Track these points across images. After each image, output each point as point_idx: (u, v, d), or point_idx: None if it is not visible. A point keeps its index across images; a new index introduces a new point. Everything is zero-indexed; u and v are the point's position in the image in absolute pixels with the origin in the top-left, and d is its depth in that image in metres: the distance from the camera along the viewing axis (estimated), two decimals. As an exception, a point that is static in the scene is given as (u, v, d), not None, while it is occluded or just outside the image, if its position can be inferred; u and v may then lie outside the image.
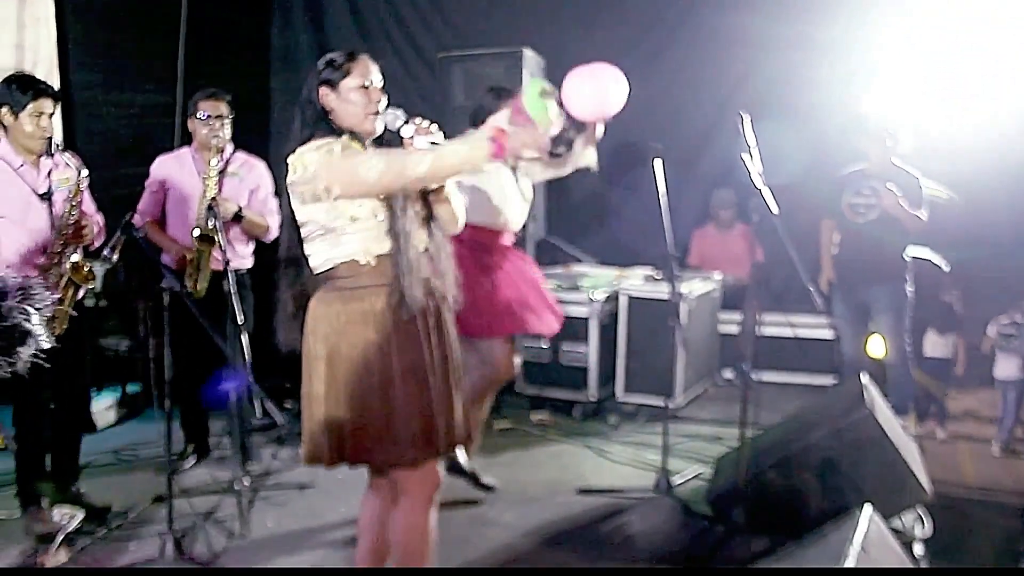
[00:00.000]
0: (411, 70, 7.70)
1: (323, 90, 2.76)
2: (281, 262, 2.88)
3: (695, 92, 7.20)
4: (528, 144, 2.53)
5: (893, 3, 6.50)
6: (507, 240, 4.44)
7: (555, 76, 6.93)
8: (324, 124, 2.75)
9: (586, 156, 4.37)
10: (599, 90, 3.97)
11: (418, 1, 7.85)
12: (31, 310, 0.82)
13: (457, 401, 2.86)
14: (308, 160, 2.64)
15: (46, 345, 0.83)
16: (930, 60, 6.37)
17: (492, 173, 4.23)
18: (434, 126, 2.75)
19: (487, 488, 4.56)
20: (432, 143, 2.71)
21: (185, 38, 6.89)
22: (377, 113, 2.76)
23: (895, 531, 3.66)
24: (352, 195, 2.63)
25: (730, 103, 6.66)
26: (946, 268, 5.88)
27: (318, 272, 2.77)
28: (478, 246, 4.26)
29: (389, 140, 2.81)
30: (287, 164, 2.71)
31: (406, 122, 2.74)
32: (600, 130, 4.27)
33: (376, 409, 2.70)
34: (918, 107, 6.04)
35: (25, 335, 0.81)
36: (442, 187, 2.83)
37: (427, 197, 2.85)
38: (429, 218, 2.87)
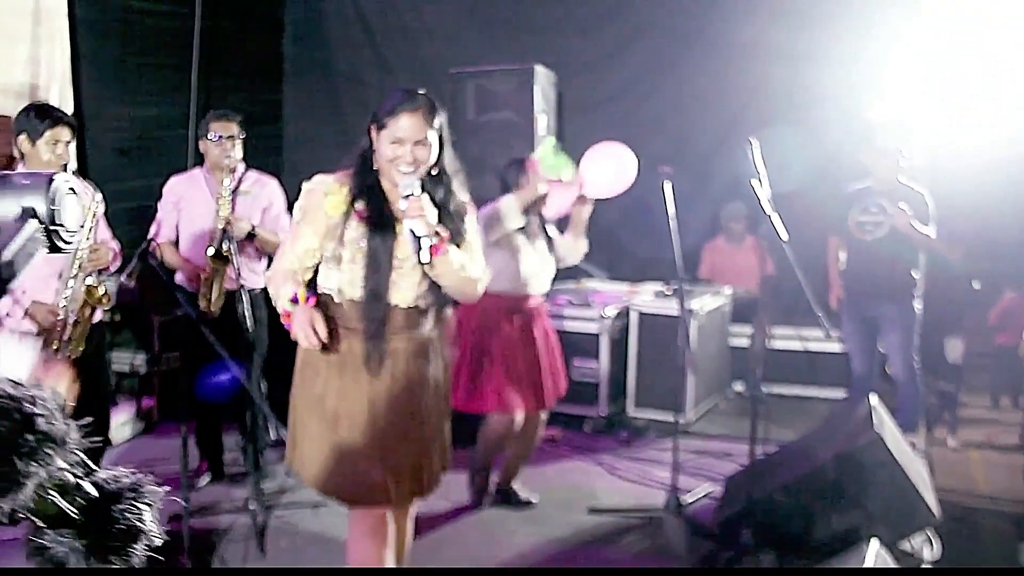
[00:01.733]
0: (425, 85, 7.73)
1: (373, 127, 2.86)
2: None
3: (706, 104, 7.21)
4: (299, 325, 2.79)
5: (903, 16, 6.50)
6: (533, 302, 4.49)
7: (566, 92, 7.03)
8: (364, 154, 2.88)
9: (580, 247, 4.53)
10: (619, 170, 4.20)
11: (429, 17, 7.89)
12: (143, 508, 0.84)
13: (424, 453, 2.99)
14: (301, 198, 2.94)
15: (159, 542, 0.85)
16: (939, 73, 6.38)
17: (506, 243, 4.29)
18: (428, 211, 2.75)
19: (526, 504, 4.70)
20: (410, 230, 2.75)
21: (198, 54, 6.94)
22: (399, 168, 2.79)
23: (904, 554, 3.70)
24: None
25: (740, 116, 6.69)
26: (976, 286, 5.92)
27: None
28: (496, 311, 4.38)
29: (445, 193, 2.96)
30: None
31: (406, 196, 2.75)
32: (587, 215, 4.44)
33: (316, 435, 2.92)
34: (926, 122, 6.05)
35: (139, 534, 0.83)
36: (444, 263, 2.84)
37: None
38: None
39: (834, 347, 6.26)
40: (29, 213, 0.80)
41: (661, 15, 7.34)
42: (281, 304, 2.86)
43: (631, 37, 7.41)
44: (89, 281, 3.92)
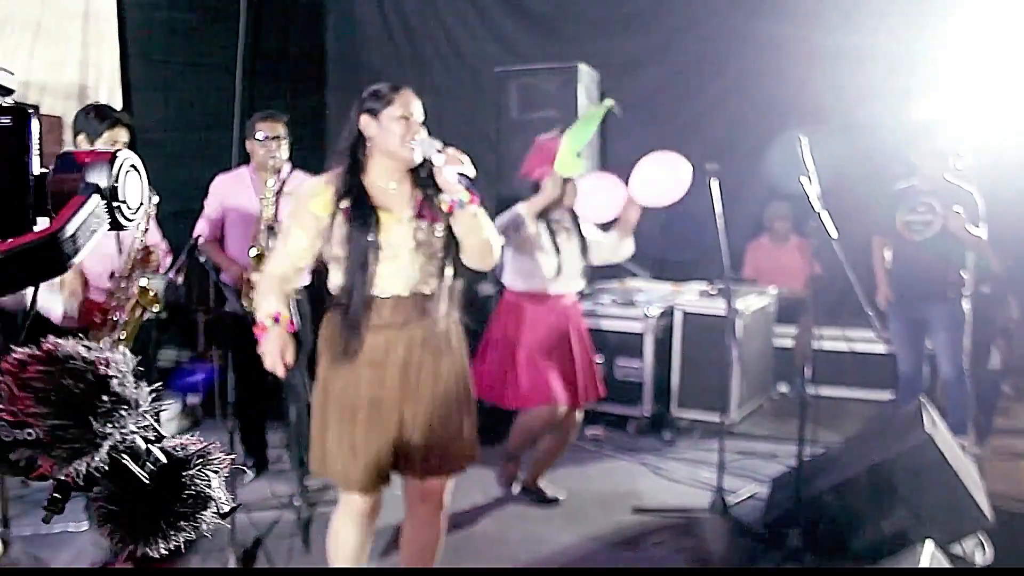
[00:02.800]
0: (465, 85, 7.75)
1: (364, 118, 2.91)
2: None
3: (750, 103, 7.15)
4: (270, 347, 2.99)
5: (951, 14, 6.40)
6: (566, 300, 4.51)
7: (609, 90, 6.99)
8: (352, 148, 2.94)
9: (625, 248, 4.53)
10: (672, 180, 4.22)
11: (470, 16, 7.90)
12: (211, 475, 0.85)
13: (421, 437, 3.01)
14: (292, 206, 3.11)
15: (226, 509, 0.85)
16: (989, 72, 6.28)
17: (532, 242, 4.31)
18: (464, 156, 2.84)
19: (552, 501, 4.69)
20: (460, 174, 2.79)
21: (242, 54, 6.99)
22: (411, 143, 2.88)
23: (955, 557, 3.64)
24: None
25: (785, 115, 6.61)
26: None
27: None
28: (530, 308, 4.43)
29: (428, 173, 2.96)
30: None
31: (439, 151, 2.82)
32: (635, 218, 4.45)
33: (329, 431, 3.02)
34: (976, 121, 5.95)
35: (207, 500, 0.83)
36: (470, 215, 2.91)
37: (445, 236, 2.99)
38: (445, 258, 3.00)
39: (880, 348, 6.18)
40: (92, 189, 0.80)
41: (705, 13, 7.29)
42: (261, 315, 2.99)
43: (675, 35, 7.36)
44: (142, 282, 3.97)
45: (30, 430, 0.71)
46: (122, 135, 3.96)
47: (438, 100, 7.70)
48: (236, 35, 6.99)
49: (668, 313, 6.07)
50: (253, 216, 4.67)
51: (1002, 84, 6.22)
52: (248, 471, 5.02)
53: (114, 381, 0.74)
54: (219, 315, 4.96)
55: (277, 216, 4.58)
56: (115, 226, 0.83)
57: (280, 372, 3.01)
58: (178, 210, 5.21)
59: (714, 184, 4.46)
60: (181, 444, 0.85)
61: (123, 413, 0.74)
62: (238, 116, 6.74)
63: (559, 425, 4.53)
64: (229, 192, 4.84)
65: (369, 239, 2.86)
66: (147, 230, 4.06)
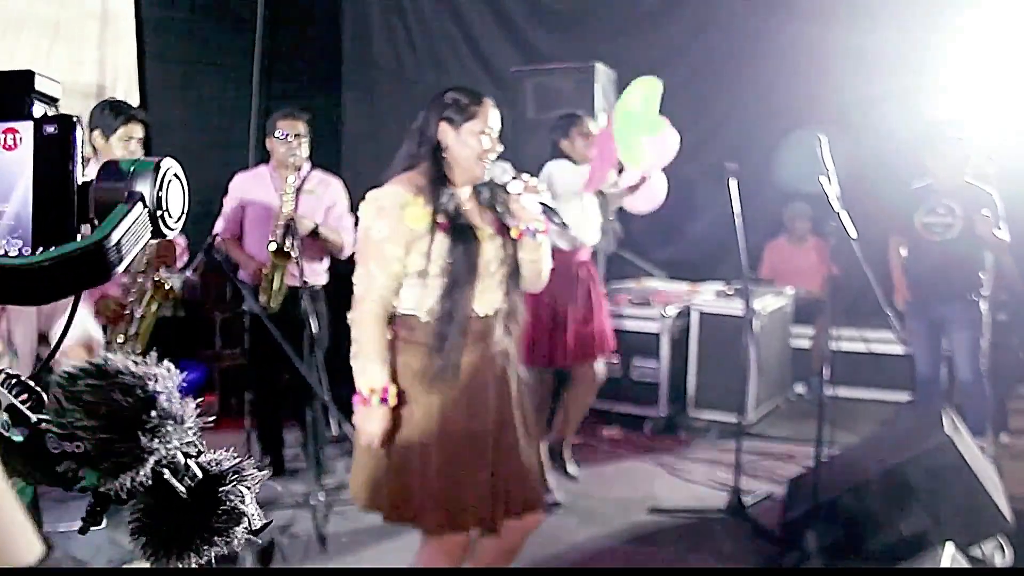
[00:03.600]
0: (481, 85, 7.75)
1: (443, 126, 2.75)
2: None
3: (767, 103, 7.12)
4: (370, 427, 2.67)
5: (967, 15, 6.37)
6: (583, 255, 4.58)
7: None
8: (434, 159, 2.75)
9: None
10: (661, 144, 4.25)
11: (487, 15, 7.90)
12: (245, 491, 0.86)
13: (521, 468, 2.84)
14: (365, 215, 2.73)
15: (259, 524, 0.87)
16: (1007, 71, 6.24)
17: (570, 199, 4.33)
18: (542, 185, 2.77)
19: (571, 477, 4.87)
20: (540, 203, 2.74)
21: (260, 55, 7.01)
22: (487, 161, 2.76)
23: (975, 560, 3.61)
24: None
25: (803, 115, 6.58)
26: None
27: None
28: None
29: (492, 192, 2.86)
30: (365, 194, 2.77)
31: (514, 178, 2.75)
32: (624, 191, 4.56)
33: (413, 470, 2.73)
34: (994, 120, 5.90)
35: (240, 516, 0.84)
36: (536, 244, 2.83)
37: (515, 254, 2.84)
38: (511, 277, 2.84)
39: (897, 349, 6.15)
40: (137, 197, 0.80)
41: (723, 13, 7.27)
42: (364, 385, 2.69)
43: (693, 35, 7.34)
44: (157, 276, 3.98)
45: (78, 443, 0.73)
46: (136, 131, 3.97)
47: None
48: (253, 35, 7.01)
49: (685, 313, 6.06)
50: (272, 214, 4.68)
51: (1020, 84, 6.18)
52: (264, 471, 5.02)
53: (162, 397, 0.76)
54: (236, 314, 4.98)
55: (296, 213, 4.59)
56: (157, 234, 0.83)
57: (376, 447, 2.71)
58: (196, 209, 5.23)
59: (732, 184, 4.45)
60: (216, 459, 0.86)
61: (169, 428, 0.76)
62: (255, 115, 6.75)
63: (577, 382, 4.71)
64: (248, 190, 4.85)
65: (470, 255, 2.70)
66: None
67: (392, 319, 2.76)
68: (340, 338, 4.97)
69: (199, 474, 0.82)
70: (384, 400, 2.66)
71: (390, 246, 2.67)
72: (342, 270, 5.02)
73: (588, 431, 5.83)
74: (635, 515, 4.55)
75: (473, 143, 2.73)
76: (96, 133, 3.95)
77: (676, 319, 5.97)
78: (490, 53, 7.85)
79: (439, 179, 2.73)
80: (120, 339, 3.89)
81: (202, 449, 0.84)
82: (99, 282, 0.78)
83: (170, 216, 0.84)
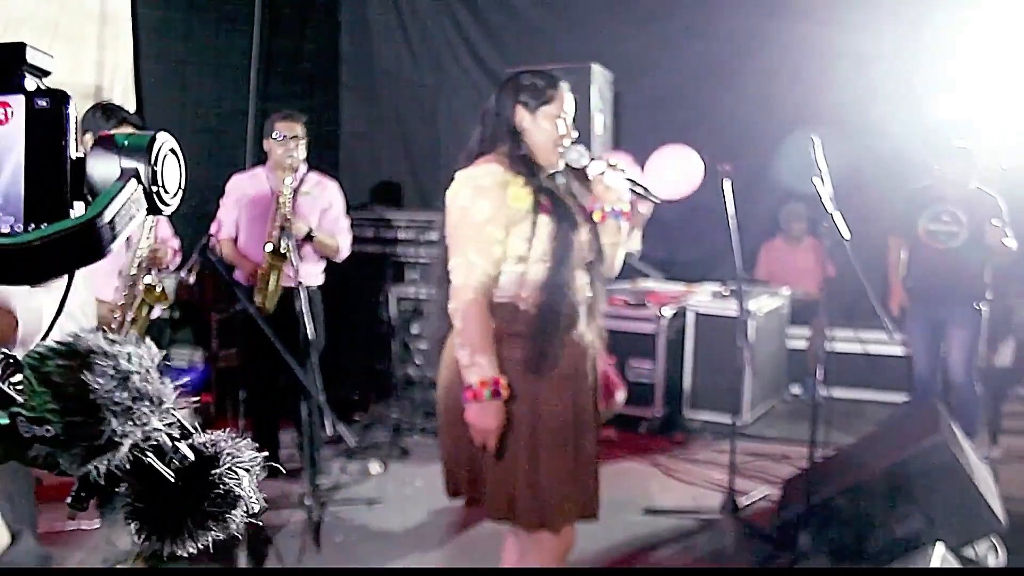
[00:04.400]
0: (479, 84, 7.75)
1: (520, 109, 2.70)
2: (435, 281, 2.81)
3: (764, 103, 7.12)
4: (485, 422, 2.54)
5: (967, 14, 6.37)
6: None
7: (622, 91, 6.99)
8: (515, 142, 2.68)
9: (632, 242, 4.54)
10: (683, 172, 4.22)
11: (484, 16, 7.90)
12: (242, 473, 0.84)
13: (596, 456, 2.81)
14: (460, 195, 2.61)
15: (256, 508, 0.84)
16: (1008, 71, 6.24)
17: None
18: (624, 162, 2.72)
19: None
20: (628, 179, 2.69)
21: (257, 56, 7.02)
22: (562, 146, 2.71)
23: (968, 560, 3.62)
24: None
25: (799, 115, 6.59)
26: None
27: None
28: None
29: (567, 177, 2.80)
30: (454, 176, 2.67)
31: (592, 159, 2.71)
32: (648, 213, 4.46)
33: (522, 469, 2.63)
34: (998, 122, 5.90)
35: (236, 499, 0.82)
36: (618, 227, 2.79)
37: (600, 241, 2.77)
38: (594, 265, 2.76)
39: (894, 350, 6.16)
40: (130, 173, 0.79)
41: (718, 13, 7.27)
42: (476, 376, 2.54)
43: (689, 35, 7.34)
44: (148, 280, 3.99)
45: (48, 427, 0.69)
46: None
47: (451, 99, 7.73)
48: (250, 36, 7.01)
49: (681, 314, 6.06)
50: (268, 215, 4.69)
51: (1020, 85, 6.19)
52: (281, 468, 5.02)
53: (136, 377, 0.72)
54: (232, 314, 4.99)
55: (292, 215, 4.60)
56: (153, 211, 0.82)
57: (492, 447, 2.60)
58: (192, 210, 5.23)
59: (727, 184, 4.45)
60: (212, 440, 0.82)
61: (145, 410, 0.72)
62: (252, 117, 6.76)
63: None
64: (245, 191, 4.86)
65: (571, 239, 2.62)
66: (153, 228, 4.07)
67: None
68: (335, 339, 5.00)
69: (190, 456, 0.79)
70: (497, 393, 2.54)
71: (492, 228, 2.56)
72: (338, 271, 5.05)
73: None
74: (630, 516, 4.56)
75: (549, 127, 2.69)
76: (88, 136, 3.96)
77: (672, 320, 5.98)
78: (486, 53, 7.86)
79: (524, 160, 2.66)
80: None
81: (193, 430, 0.81)
82: (92, 260, 0.76)
83: (166, 192, 0.82)
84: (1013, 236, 4.99)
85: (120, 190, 0.77)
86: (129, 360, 0.72)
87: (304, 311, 4.33)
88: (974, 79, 6.26)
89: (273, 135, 4.75)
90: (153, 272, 4.00)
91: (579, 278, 2.67)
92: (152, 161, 0.80)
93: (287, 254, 4.53)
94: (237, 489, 0.81)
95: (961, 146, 5.05)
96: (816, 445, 3.98)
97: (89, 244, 0.75)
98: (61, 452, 0.70)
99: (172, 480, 0.77)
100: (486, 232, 2.56)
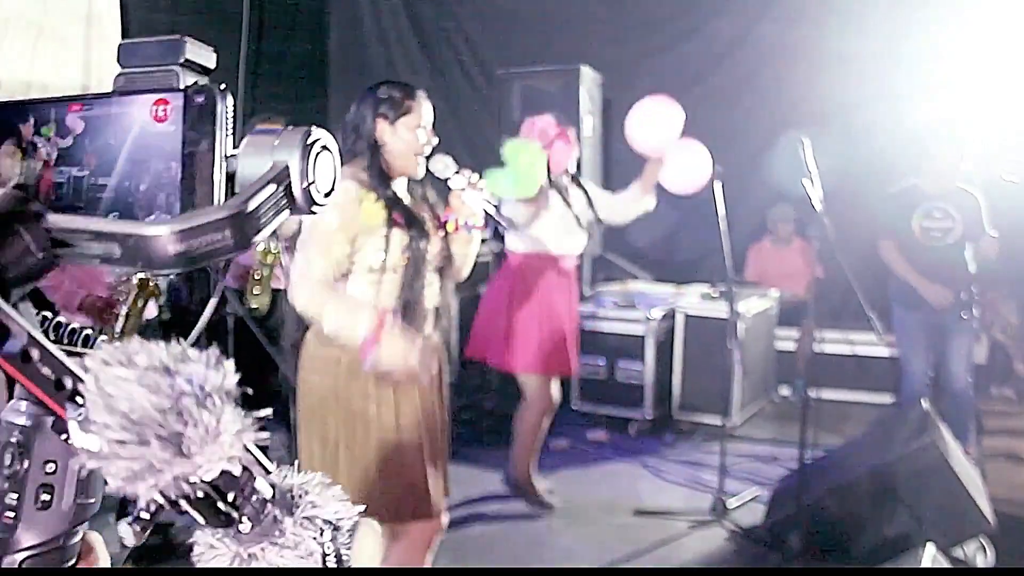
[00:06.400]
0: (467, 87, 7.76)
1: (380, 123, 2.72)
2: (288, 285, 2.82)
3: (752, 106, 7.15)
4: (393, 360, 2.55)
5: (956, 18, 6.40)
6: (568, 263, 4.53)
7: (613, 93, 7.00)
8: (373, 155, 2.71)
9: (645, 202, 4.53)
10: (698, 170, 4.25)
11: (475, 18, 7.91)
12: (322, 525, 0.76)
13: (443, 452, 2.90)
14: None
15: (333, 564, 0.76)
16: (995, 73, 6.27)
17: (549, 209, 4.32)
18: (483, 182, 2.77)
19: (546, 506, 4.62)
20: (486, 201, 2.74)
21: (245, 58, 7.00)
22: (423, 155, 2.75)
23: (957, 560, 3.64)
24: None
25: (787, 118, 6.61)
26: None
27: None
28: (532, 269, 4.39)
29: (424, 186, 2.87)
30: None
31: (456, 172, 2.75)
32: (656, 174, 4.44)
33: (374, 465, 2.70)
34: (982, 122, 5.91)
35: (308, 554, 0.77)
36: (470, 239, 2.86)
37: (450, 248, 2.85)
38: (444, 270, 2.84)
39: (882, 351, 6.17)
40: (281, 167, 0.77)
41: (707, 16, 7.29)
42: (366, 322, 2.55)
43: (677, 39, 7.37)
44: (141, 274, 3.97)
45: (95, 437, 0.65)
46: None
47: (440, 102, 7.72)
48: (238, 38, 6.99)
49: (670, 315, 6.07)
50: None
51: (1008, 85, 6.21)
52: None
53: (187, 400, 0.65)
54: (221, 316, 4.96)
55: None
56: (302, 209, 0.79)
57: (432, 370, 2.68)
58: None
59: (717, 186, 4.46)
60: (300, 483, 0.77)
61: (195, 438, 0.65)
62: (240, 119, 6.74)
63: (540, 398, 4.52)
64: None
65: (423, 249, 2.70)
66: None
67: None
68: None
69: (266, 494, 0.73)
70: (382, 322, 2.56)
71: (337, 235, 2.61)
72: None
73: (573, 433, 5.84)
74: (620, 517, 4.56)
75: (409, 138, 2.72)
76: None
77: (661, 321, 5.98)
78: (475, 55, 7.87)
79: (380, 174, 2.71)
80: (105, 338, 3.87)
81: (265, 470, 0.75)
82: (237, 251, 0.75)
83: (317, 189, 0.80)
84: (989, 227, 5.01)
85: (267, 183, 0.77)
86: (190, 381, 0.66)
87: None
88: (962, 81, 6.28)
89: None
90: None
91: (429, 284, 2.76)
92: (304, 156, 0.78)
93: (277, 255, 4.51)
94: (309, 541, 0.75)
95: (947, 141, 5.05)
96: (805, 446, 3.99)
97: (233, 235, 0.74)
98: (107, 466, 0.66)
99: (236, 519, 0.72)
100: (329, 237, 2.61)
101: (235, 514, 0.71)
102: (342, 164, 2.70)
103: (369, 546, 2.83)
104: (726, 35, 7.22)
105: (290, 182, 0.78)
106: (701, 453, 5.56)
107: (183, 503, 0.68)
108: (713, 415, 5.57)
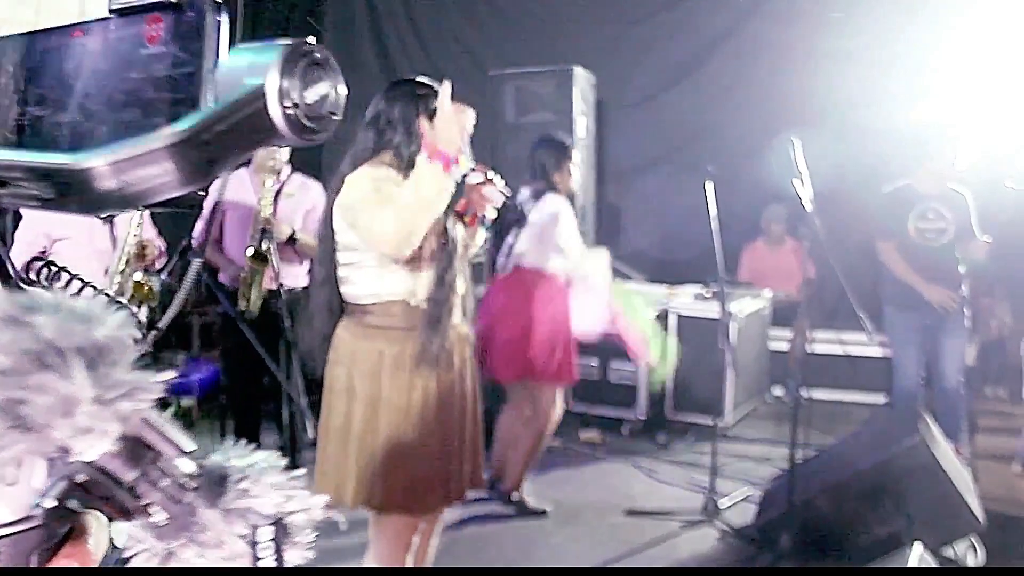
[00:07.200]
0: (460, 88, 7.75)
1: (423, 119, 2.73)
2: (316, 281, 2.87)
3: (745, 106, 7.16)
4: (453, 138, 2.50)
5: (950, 18, 6.41)
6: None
7: (606, 94, 7.01)
8: (413, 147, 2.70)
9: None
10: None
11: (466, 18, 7.92)
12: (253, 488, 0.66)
13: (479, 445, 2.95)
14: (361, 186, 2.64)
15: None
16: (987, 74, 6.28)
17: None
18: (496, 176, 2.83)
19: (539, 513, 4.62)
20: (501, 192, 2.83)
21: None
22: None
23: (947, 560, 3.65)
24: (371, 247, 2.66)
25: (780, 118, 6.61)
26: None
27: (355, 303, 2.78)
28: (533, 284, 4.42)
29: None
30: (343, 181, 2.71)
31: (472, 169, 2.75)
32: None
33: (416, 456, 2.72)
34: (972, 122, 5.92)
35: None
36: (479, 231, 2.93)
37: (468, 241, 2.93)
38: (466, 262, 2.93)
39: (875, 351, 6.18)
40: (251, 88, 0.67)
41: (700, 16, 7.30)
42: (434, 169, 2.49)
43: (671, 39, 7.37)
44: (136, 277, 3.98)
45: None
46: None
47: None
48: (231, 35, 7.00)
49: (663, 316, 6.07)
50: (251, 217, 4.67)
51: (1000, 86, 6.22)
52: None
53: (28, 360, 0.54)
54: (214, 317, 4.97)
55: (275, 217, 4.58)
56: (289, 137, 0.68)
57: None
58: (174, 212, 5.21)
59: (709, 186, 4.47)
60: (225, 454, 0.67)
61: (39, 407, 0.54)
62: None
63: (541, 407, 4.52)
64: (228, 193, 4.82)
65: (456, 237, 2.79)
66: (141, 224, 4.05)
67: (363, 307, 2.76)
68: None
69: (185, 481, 0.63)
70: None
71: (390, 182, 2.64)
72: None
73: (566, 434, 5.83)
74: (613, 518, 4.57)
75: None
76: None
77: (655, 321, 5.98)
78: (469, 56, 7.88)
79: (411, 167, 2.69)
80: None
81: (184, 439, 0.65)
82: (188, 188, 0.67)
83: (308, 115, 0.67)
84: (976, 226, 5.02)
85: (226, 106, 0.65)
86: (38, 336, 0.55)
87: (284, 313, 4.33)
88: (957, 82, 6.30)
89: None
90: (140, 270, 4.00)
91: (460, 273, 2.82)
92: (288, 72, 0.66)
93: (268, 257, 4.51)
94: (235, 541, 0.65)
95: (941, 141, 5.06)
96: (797, 446, 4.00)
97: (179, 169, 0.65)
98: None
99: (141, 508, 0.63)
100: (381, 185, 2.61)
101: (135, 503, 0.61)
102: (369, 158, 2.70)
103: None
104: (719, 35, 7.24)
105: (264, 104, 0.65)
106: (694, 453, 5.56)
107: (70, 487, 0.58)
108: (706, 415, 5.57)
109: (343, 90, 0.73)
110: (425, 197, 2.52)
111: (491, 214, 2.91)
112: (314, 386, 4.54)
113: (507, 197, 2.91)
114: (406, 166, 2.69)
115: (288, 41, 0.67)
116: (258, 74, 0.65)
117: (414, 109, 2.76)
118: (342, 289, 2.79)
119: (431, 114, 2.68)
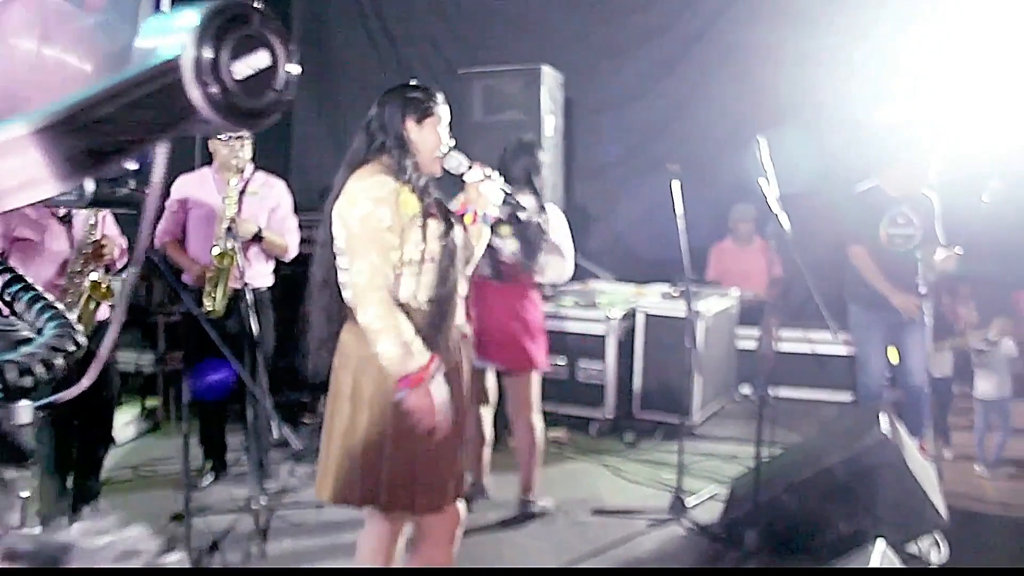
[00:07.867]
0: (438, 83, 7.75)
1: (409, 122, 2.83)
2: (316, 285, 2.90)
3: (713, 106, 7.19)
4: (431, 402, 2.62)
5: (919, 21, 6.46)
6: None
7: (574, 93, 7.00)
8: (404, 151, 2.80)
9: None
10: None
11: (440, 17, 7.91)
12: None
13: (472, 439, 3.08)
14: (361, 206, 2.69)
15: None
16: (956, 76, 6.33)
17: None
18: (495, 173, 2.95)
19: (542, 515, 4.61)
20: (501, 189, 2.96)
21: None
22: (441, 155, 2.88)
23: (911, 556, 3.67)
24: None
25: (747, 118, 6.64)
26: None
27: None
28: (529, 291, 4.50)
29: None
30: (343, 187, 2.77)
31: (470, 167, 2.91)
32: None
33: (423, 454, 2.75)
34: (943, 127, 5.95)
35: None
36: (482, 229, 3.01)
37: (470, 241, 2.98)
38: (467, 263, 2.97)
39: (841, 350, 6.22)
40: (159, 61, 0.58)
41: (669, 17, 7.33)
42: (416, 363, 2.61)
43: (639, 38, 7.39)
44: (94, 276, 3.93)
45: None
46: None
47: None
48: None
49: (630, 315, 6.08)
50: (215, 217, 4.63)
51: (972, 89, 6.27)
52: (207, 475, 4.97)
53: None
54: (179, 317, 4.93)
55: (239, 216, 4.55)
56: (215, 120, 0.58)
57: (443, 425, 2.68)
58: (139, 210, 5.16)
59: (675, 185, 4.47)
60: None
61: None
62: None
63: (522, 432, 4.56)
64: (191, 193, 4.78)
65: (456, 239, 2.82)
66: (95, 224, 4.00)
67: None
68: (286, 340, 4.95)
69: None
70: (429, 370, 2.64)
71: (390, 235, 2.68)
72: (287, 272, 5.01)
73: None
74: (579, 516, 4.56)
75: (432, 137, 2.85)
76: None
77: (622, 321, 5.99)
78: (438, 54, 7.86)
79: (412, 168, 2.80)
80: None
81: None
82: (66, 185, 0.59)
83: (238, 93, 0.57)
84: (940, 227, 5.06)
85: (118, 83, 0.55)
86: None
87: (248, 312, 4.30)
88: (926, 84, 6.34)
89: (218, 135, 4.69)
90: (99, 270, 3.95)
91: (460, 275, 2.86)
92: (208, 43, 0.55)
93: (233, 256, 4.48)
94: None
95: (912, 145, 5.08)
96: (764, 444, 4.01)
97: (50, 162, 0.56)
98: None
99: None
100: (387, 238, 2.68)
101: None
102: (366, 161, 2.77)
103: None
104: (687, 35, 7.26)
105: (178, 79, 0.55)
106: (661, 452, 5.57)
107: None
108: (673, 414, 5.58)
109: (292, 67, 0.61)
110: (388, 351, 2.63)
111: (492, 211, 2.97)
112: (310, 388, 4.50)
113: (515, 200, 3.00)
114: (398, 171, 2.77)
115: (213, 2, 0.56)
116: (171, 44, 0.54)
117: (401, 112, 2.84)
118: (344, 294, 2.81)
119: (419, 117, 2.82)
